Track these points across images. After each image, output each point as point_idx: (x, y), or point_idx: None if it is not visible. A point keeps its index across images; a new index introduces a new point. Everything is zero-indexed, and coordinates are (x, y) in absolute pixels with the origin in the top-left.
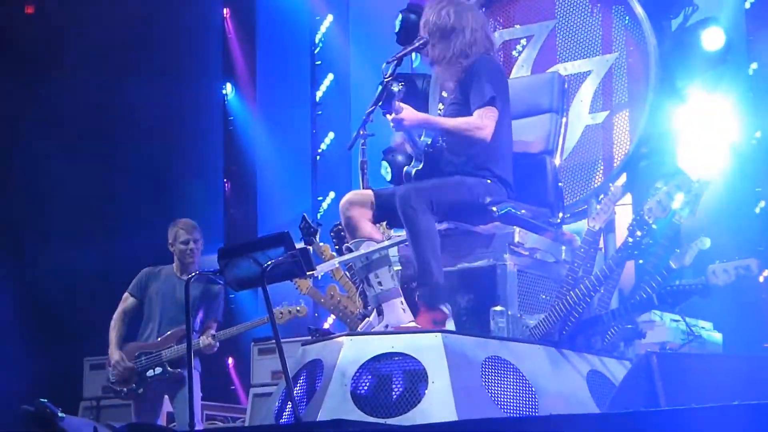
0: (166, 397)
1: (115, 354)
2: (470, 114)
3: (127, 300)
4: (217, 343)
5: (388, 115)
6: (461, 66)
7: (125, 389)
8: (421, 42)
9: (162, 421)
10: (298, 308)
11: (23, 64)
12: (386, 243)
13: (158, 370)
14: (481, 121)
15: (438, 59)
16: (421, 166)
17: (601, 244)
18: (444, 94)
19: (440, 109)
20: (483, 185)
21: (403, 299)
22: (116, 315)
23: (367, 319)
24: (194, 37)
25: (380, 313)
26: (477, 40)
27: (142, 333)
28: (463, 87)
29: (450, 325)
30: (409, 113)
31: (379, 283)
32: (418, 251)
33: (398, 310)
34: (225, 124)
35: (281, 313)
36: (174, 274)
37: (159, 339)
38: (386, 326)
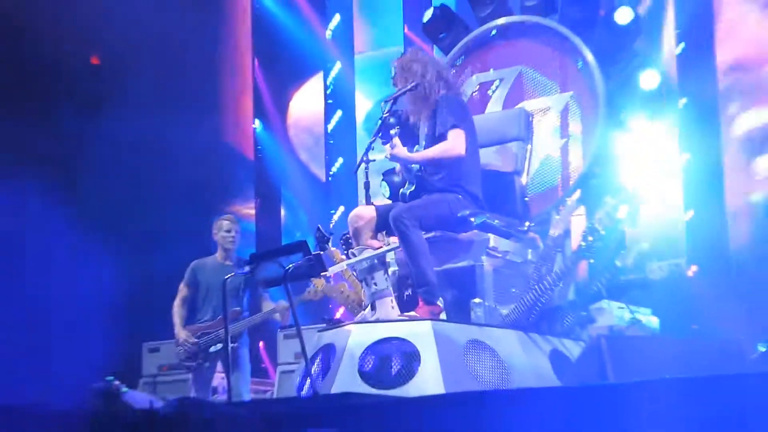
0: (217, 374)
1: (182, 333)
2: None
3: (183, 290)
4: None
5: (386, 146)
6: (428, 108)
7: (194, 364)
8: (413, 84)
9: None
10: (308, 290)
11: (81, 107)
12: (383, 249)
13: (219, 346)
14: (453, 142)
15: (411, 109)
16: (413, 188)
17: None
18: (425, 130)
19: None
20: (457, 200)
21: (393, 298)
22: (176, 302)
23: (362, 312)
24: (229, 85)
25: (373, 308)
26: (436, 86)
27: (198, 316)
28: (431, 123)
29: (444, 315)
30: (399, 150)
31: (375, 284)
32: (414, 260)
33: (388, 307)
34: (255, 153)
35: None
36: (219, 262)
37: (215, 320)
38: (377, 319)
